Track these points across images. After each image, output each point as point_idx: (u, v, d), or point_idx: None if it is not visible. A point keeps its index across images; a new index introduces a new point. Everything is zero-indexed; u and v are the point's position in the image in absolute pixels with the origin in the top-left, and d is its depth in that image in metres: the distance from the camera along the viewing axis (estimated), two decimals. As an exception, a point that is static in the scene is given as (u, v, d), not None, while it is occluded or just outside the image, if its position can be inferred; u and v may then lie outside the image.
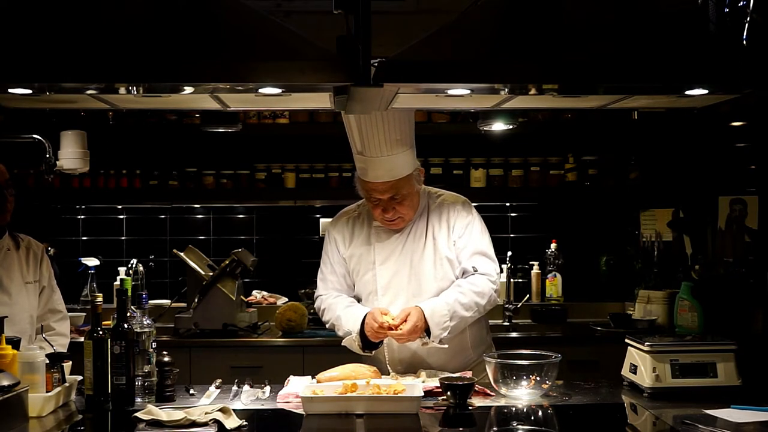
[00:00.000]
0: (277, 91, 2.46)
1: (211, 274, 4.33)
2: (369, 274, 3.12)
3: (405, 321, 2.88)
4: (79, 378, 2.78)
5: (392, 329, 2.88)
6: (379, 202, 3.05)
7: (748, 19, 2.35)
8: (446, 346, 2.95)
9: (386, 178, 3.00)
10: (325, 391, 2.64)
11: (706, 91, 2.54)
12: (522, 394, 2.72)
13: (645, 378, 2.78)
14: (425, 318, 2.90)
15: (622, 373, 2.96)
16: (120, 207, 5.07)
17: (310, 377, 2.93)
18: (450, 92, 2.54)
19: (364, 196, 3.12)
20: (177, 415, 2.43)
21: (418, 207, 3.12)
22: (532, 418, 2.60)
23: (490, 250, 3.12)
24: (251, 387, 2.88)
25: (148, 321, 2.82)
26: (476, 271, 3.03)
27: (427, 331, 2.93)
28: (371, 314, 2.94)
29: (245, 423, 2.41)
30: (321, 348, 4.21)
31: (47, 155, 3.29)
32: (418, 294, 3.05)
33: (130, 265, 4.72)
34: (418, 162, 3.12)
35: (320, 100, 2.69)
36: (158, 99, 2.70)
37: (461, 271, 3.07)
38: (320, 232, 5.03)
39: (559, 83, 2.48)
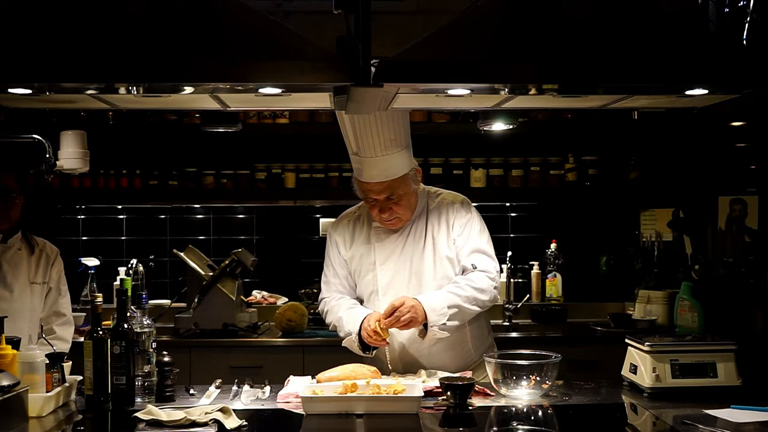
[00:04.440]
0: (277, 91, 2.46)
1: (211, 274, 4.33)
2: (370, 274, 3.12)
3: (392, 314, 2.85)
4: (79, 378, 2.78)
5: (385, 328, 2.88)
6: (375, 202, 3.05)
7: (748, 19, 2.35)
8: (447, 334, 2.93)
9: (381, 178, 3.00)
10: (325, 391, 2.64)
11: (706, 91, 2.53)
12: (522, 394, 2.72)
13: (645, 378, 2.78)
14: (423, 308, 2.87)
15: (622, 373, 2.96)
16: (120, 207, 5.07)
17: (310, 377, 2.93)
18: (450, 92, 2.53)
19: (361, 197, 3.12)
20: (177, 415, 2.43)
21: (415, 207, 3.12)
22: (532, 418, 2.60)
23: (490, 248, 3.11)
24: (251, 387, 2.88)
25: (148, 321, 2.82)
26: (476, 268, 3.03)
27: (425, 327, 2.92)
28: (368, 319, 2.94)
29: (245, 423, 2.41)
30: (321, 348, 4.21)
31: (47, 155, 3.28)
32: (419, 294, 3.04)
33: (130, 265, 4.70)
34: (415, 162, 3.12)
35: (320, 100, 2.70)
36: (158, 99, 2.70)
37: (461, 269, 3.06)
38: (320, 232, 5.03)
39: (559, 83, 2.48)
